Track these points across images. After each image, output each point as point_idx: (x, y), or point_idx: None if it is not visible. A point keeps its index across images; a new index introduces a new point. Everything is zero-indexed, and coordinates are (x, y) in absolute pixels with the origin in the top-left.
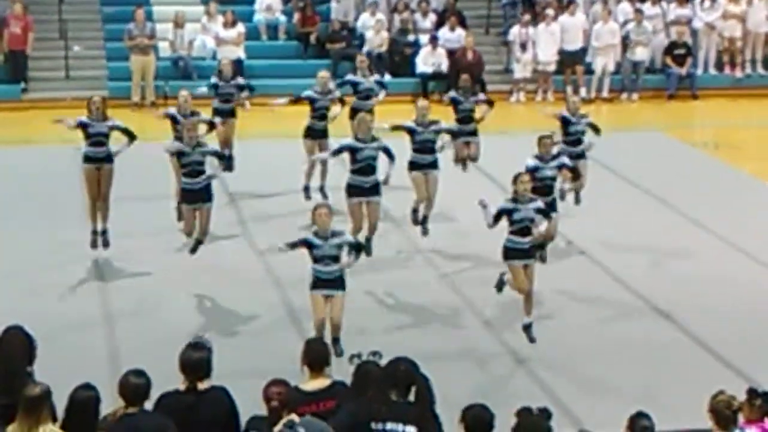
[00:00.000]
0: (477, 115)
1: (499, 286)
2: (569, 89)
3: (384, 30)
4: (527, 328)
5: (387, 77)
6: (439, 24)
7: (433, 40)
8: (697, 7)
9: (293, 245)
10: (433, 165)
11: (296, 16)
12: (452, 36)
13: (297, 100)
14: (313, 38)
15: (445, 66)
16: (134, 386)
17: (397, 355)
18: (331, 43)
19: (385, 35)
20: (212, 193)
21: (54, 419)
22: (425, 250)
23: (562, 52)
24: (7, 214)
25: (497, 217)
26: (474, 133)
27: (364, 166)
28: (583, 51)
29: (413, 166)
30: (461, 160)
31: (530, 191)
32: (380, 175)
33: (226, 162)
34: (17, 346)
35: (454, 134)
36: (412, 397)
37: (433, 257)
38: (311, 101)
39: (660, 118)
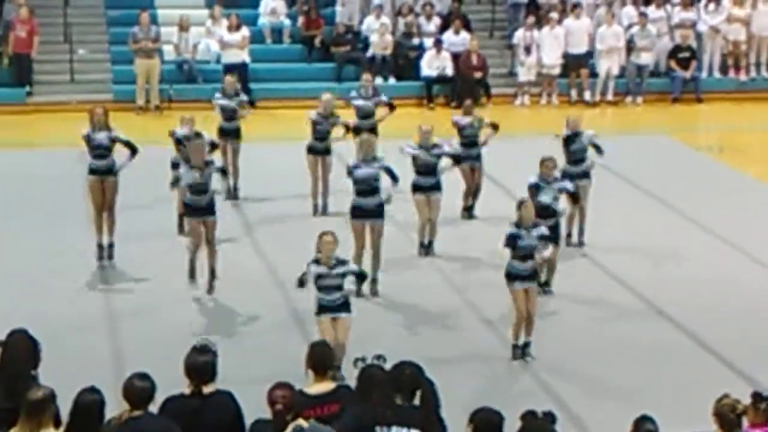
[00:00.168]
0: (481, 138)
1: None
2: (573, 92)
3: (388, 33)
4: (525, 346)
5: (391, 81)
6: (443, 27)
7: (438, 44)
8: (701, 10)
9: (302, 283)
10: (436, 187)
11: (301, 20)
12: (457, 39)
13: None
14: (317, 42)
15: (449, 69)
16: (139, 389)
17: (401, 359)
18: (336, 47)
19: (389, 39)
20: (215, 208)
21: (58, 423)
22: (429, 253)
23: (566, 56)
24: (11, 216)
25: (509, 243)
26: (478, 157)
27: (365, 188)
28: (588, 54)
29: (416, 188)
30: (465, 207)
31: (534, 216)
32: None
33: (232, 192)
34: (22, 350)
35: (457, 159)
36: (417, 401)
37: (436, 260)
38: (313, 124)
39: (664, 121)
